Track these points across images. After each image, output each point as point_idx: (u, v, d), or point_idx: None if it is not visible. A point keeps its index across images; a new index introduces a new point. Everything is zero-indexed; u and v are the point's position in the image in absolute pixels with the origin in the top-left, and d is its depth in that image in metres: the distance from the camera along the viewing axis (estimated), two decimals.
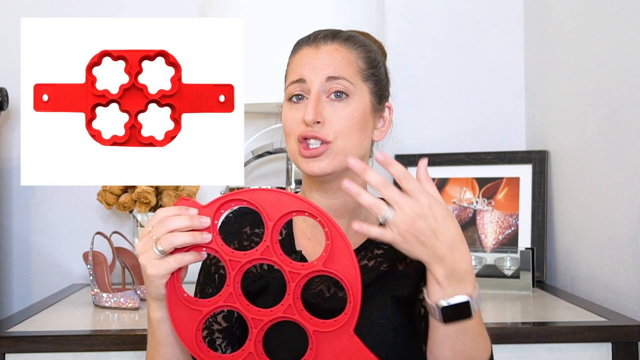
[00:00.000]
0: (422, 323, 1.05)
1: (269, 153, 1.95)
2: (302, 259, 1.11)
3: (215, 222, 0.94)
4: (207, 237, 0.93)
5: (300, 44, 1.13)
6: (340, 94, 1.08)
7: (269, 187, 1.89)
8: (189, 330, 0.95)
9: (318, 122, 1.06)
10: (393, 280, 1.10)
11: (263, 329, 0.94)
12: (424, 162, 0.92)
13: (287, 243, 1.14)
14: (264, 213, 0.93)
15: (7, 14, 2.08)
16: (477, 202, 1.99)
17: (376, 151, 0.91)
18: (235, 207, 0.99)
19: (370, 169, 0.91)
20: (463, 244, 0.92)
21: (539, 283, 1.88)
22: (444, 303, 0.92)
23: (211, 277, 1.13)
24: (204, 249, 0.95)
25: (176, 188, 1.85)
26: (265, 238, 0.93)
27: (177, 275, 0.95)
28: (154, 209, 1.86)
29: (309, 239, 1.14)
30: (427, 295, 0.94)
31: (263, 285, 1.10)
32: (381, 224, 0.91)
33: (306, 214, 0.93)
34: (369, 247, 1.13)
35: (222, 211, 0.94)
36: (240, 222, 1.16)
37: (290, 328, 0.98)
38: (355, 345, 0.92)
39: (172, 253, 0.94)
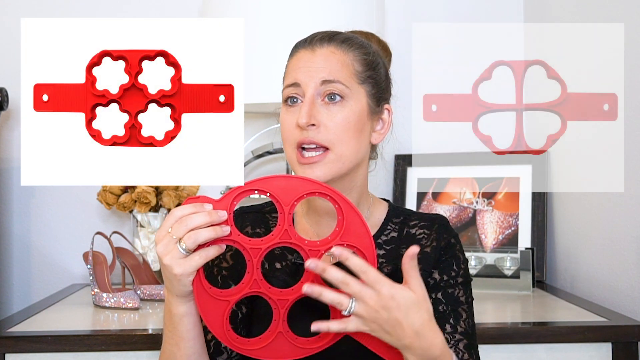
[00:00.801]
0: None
1: (269, 153, 1.95)
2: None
3: (230, 214, 0.96)
4: (226, 229, 0.95)
5: (297, 47, 1.13)
6: (334, 97, 1.07)
7: None
8: (218, 321, 0.98)
9: (313, 125, 1.06)
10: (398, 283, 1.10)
11: (288, 308, 0.98)
12: (414, 249, 0.93)
13: None
14: (278, 199, 0.96)
15: (7, 14, 2.08)
16: (477, 202, 1.99)
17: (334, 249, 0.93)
18: (236, 207, 1.00)
19: (330, 267, 0.91)
20: (431, 330, 0.93)
21: (539, 283, 1.88)
22: None
23: (214, 279, 1.14)
24: (223, 240, 0.97)
25: (176, 188, 1.85)
26: (280, 222, 0.96)
27: (201, 270, 0.97)
28: (154, 209, 1.86)
29: (307, 232, 1.15)
30: None
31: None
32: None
33: (317, 194, 0.96)
34: None
35: (235, 203, 0.97)
36: (242, 222, 1.16)
37: (309, 305, 1.01)
38: None
39: (194, 250, 0.95)
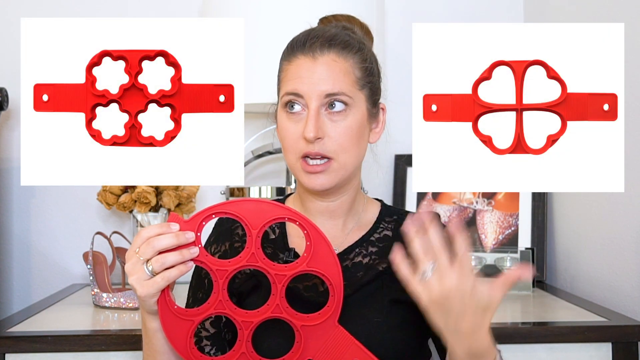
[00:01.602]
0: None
1: (269, 153, 1.95)
2: (295, 255, 1.12)
3: (199, 234, 0.97)
4: (194, 251, 0.96)
5: (294, 51, 1.10)
6: (338, 106, 1.07)
7: (268, 187, 1.89)
8: (182, 340, 0.99)
9: (318, 139, 1.06)
10: (393, 283, 1.10)
11: (252, 330, 0.99)
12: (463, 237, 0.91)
13: (280, 241, 1.15)
14: (246, 222, 0.96)
15: (7, 14, 2.08)
16: (477, 202, 1.99)
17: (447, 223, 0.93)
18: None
19: (422, 240, 0.91)
20: (484, 328, 0.95)
21: (539, 283, 1.88)
22: None
23: (202, 282, 1.15)
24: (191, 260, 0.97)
25: (176, 188, 1.85)
26: (248, 245, 0.97)
27: (166, 290, 0.97)
28: (154, 209, 1.86)
29: (302, 237, 1.15)
30: None
31: (255, 284, 1.12)
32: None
33: (286, 219, 0.97)
34: (363, 245, 1.14)
35: (204, 224, 0.97)
36: (232, 222, 1.17)
37: (275, 325, 1.01)
38: (340, 335, 0.99)
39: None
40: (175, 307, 0.98)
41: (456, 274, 0.89)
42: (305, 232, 0.97)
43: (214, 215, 0.97)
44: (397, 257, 0.92)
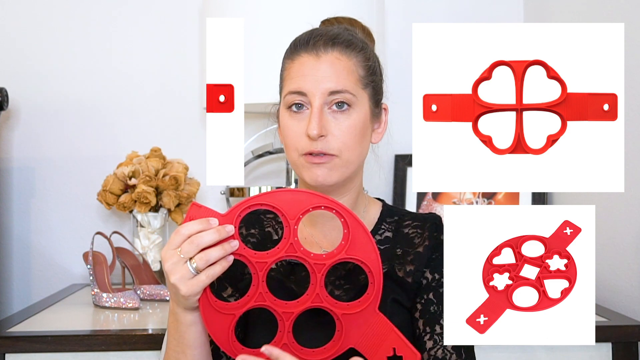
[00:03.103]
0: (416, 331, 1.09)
1: (269, 153, 1.95)
2: None
3: (241, 216, 0.96)
4: (234, 244, 0.95)
5: (297, 49, 1.10)
6: (342, 105, 1.07)
7: (268, 187, 1.89)
8: (224, 333, 0.98)
9: (322, 136, 1.05)
10: (394, 284, 1.10)
11: (293, 320, 0.98)
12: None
13: None
14: (284, 213, 0.96)
15: (7, 14, 2.08)
16: (477, 202, 1.99)
17: None
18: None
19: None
20: None
21: None
22: None
23: (221, 283, 1.14)
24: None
25: (176, 188, 1.85)
26: (286, 236, 0.96)
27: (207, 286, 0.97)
28: (154, 209, 1.86)
29: (305, 239, 1.15)
30: None
31: None
32: None
33: (322, 207, 0.97)
34: None
35: (241, 216, 0.96)
36: (257, 211, 1.15)
37: (312, 317, 1.02)
38: (381, 322, 0.98)
39: None
40: (216, 301, 0.98)
41: None
42: (343, 220, 0.96)
43: (251, 208, 0.96)
44: None
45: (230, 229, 0.94)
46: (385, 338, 0.97)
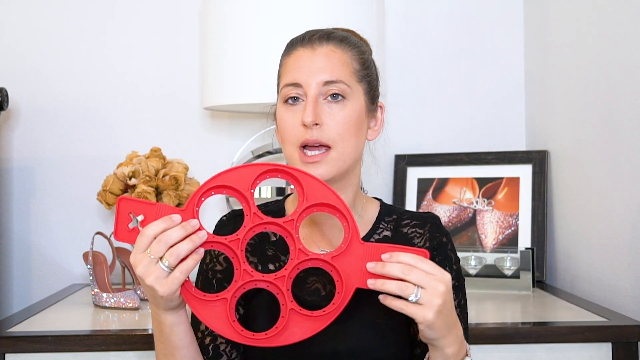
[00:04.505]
0: (417, 349, 1.10)
1: (269, 153, 1.95)
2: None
3: (197, 208, 0.97)
4: (203, 234, 0.95)
5: (294, 45, 1.12)
6: (337, 96, 1.08)
7: (268, 187, 1.89)
8: (223, 322, 0.97)
9: (316, 124, 1.06)
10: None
11: (289, 285, 0.98)
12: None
13: (282, 243, 1.15)
14: (236, 188, 0.97)
15: (7, 14, 2.08)
16: (477, 202, 1.99)
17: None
18: (229, 210, 1.01)
19: (389, 263, 0.94)
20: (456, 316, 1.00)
21: (539, 283, 1.88)
22: None
23: (209, 282, 1.14)
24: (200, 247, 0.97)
25: (176, 188, 1.85)
26: (247, 212, 0.98)
27: (187, 281, 0.97)
28: None
29: (303, 239, 1.15)
30: None
31: (257, 288, 1.11)
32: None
33: (267, 175, 0.98)
34: None
35: (203, 199, 0.97)
36: (234, 224, 1.16)
37: (304, 282, 1.06)
38: (371, 248, 0.98)
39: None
40: (204, 295, 0.98)
41: (438, 277, 0.92)
42: (292, 179, 0.98)
43: (212, 192, 0.98)
44: (385, 300, 0.95)
45: (195, 222, 0.95)
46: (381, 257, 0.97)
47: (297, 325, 0.97)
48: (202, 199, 0.97)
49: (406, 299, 0.92)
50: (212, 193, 0.98)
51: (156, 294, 0.95)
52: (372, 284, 0.94)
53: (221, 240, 0.97)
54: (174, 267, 0.94)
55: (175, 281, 0.94)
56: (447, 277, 0.93)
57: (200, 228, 0.95)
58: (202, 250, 0.95)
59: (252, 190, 0.97)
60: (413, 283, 0.92)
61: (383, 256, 0.94)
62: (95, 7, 2.10)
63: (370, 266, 0.94)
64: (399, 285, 0.92)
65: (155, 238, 0.94)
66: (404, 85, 2.15)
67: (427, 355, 1.02)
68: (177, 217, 0.95)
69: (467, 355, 1.00)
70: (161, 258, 0.93)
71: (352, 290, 0.97)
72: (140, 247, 0.94)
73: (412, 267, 0.93)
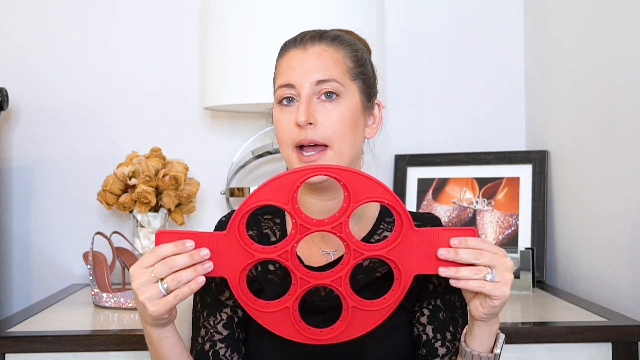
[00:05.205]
0: (422, 349, 1.09)
1: (269, 153, 1.95)
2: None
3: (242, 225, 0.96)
4: (208, 266, 0.96)
5: (287, 46, 1.13)
6: (330, 95, 1.08)
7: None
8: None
9: (310, 124, 1.06)
10: (392, 285, 1.11)
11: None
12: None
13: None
14: (276, 202, 0.95)
15: (7, 14, 2.08)
16: (477, 202, 1.99)
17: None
18: (229, 211, 1.01)
19: (461, 250, 0.96)
20: None
21: (539, 283, 1.88)
22: (497, 350, 1.04)
23: (208, 285, 1.14)
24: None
25: (176, 188, 1.85)
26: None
27: (247, 295, 0.99)
28: (154, 209, 1.86)
29: (304, 240, 1.15)
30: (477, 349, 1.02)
31: (258, 288, 1.12)
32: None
33: (308, 176, 0.96)
34: None
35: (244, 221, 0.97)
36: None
37: (318, 304, 1.06)
38: (425, 233, 0.98)
39: None
40: (267, 305, 0.99)
41: (501, 253, 0.96)
42: (343, 183, 0.95)
43: (244, 217, 0.96)
44: (459, 283, 0.96)
45: (204, 252, 0.95)
46: (436, 241, 0.97)
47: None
48: (243, 220, 0.96)
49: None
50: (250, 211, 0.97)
51: (146, 311, 0.96)
52: (444, 272, 0.96)
53: (270, 256, 0.97)
54: (170, 292, 0.95)
55: (167, 305, 0.95)
56: (504, 251, 0.98)
57: (210, 259, 0.96)
58: (202, 280, 0.96)
59: (296, 206, 0.95)
60: (485, 265, 0.95)
61: (452, 242, 0.96)
62: (96, 7, 2.10)
63: (442, 253, 0.96)
64: (473, 270, 0.95)
65: (162, 259, 0.94)
66: (404, 85, 2.15)
67: (464, 331, 1.05)
68: (190, 243, 0.95)
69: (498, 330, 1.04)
70: (162, 279, 0.95)
71: (412, 278, 0.98)
72: (145, 262, 0.95)
73: (481, 250, 0.95)
